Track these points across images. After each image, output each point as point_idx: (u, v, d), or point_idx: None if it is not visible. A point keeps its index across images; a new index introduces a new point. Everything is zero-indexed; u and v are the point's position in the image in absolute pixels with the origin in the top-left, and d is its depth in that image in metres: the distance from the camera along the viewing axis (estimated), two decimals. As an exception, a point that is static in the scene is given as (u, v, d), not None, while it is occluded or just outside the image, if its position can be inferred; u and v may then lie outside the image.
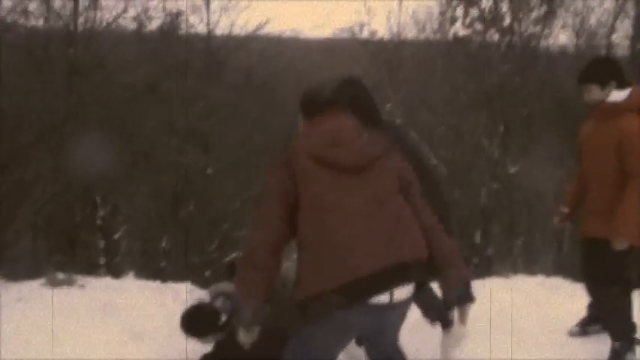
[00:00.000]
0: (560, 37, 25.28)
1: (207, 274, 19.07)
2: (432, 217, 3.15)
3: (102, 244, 16.51)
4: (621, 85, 4.21)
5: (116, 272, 16.52)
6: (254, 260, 2.97)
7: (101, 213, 16.39)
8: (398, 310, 3.04)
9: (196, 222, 18.25)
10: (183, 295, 6.71)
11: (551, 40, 19.09)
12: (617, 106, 4.16)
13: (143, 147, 14.81)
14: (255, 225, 3.02)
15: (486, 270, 15.86)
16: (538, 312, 5.71)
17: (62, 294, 6.11)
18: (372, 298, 2.87)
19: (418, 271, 2.99)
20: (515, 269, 15.41)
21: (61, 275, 6.58)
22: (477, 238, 17.36)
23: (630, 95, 4.18)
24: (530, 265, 15.27)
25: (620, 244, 4.12)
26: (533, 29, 18.35)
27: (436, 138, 18.58)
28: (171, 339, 5.33)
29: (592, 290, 4.55)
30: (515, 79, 17.77)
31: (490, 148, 17.48)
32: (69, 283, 6.43)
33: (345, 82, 3.49)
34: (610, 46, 19.17)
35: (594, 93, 4.21)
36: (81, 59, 13.51)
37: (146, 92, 14.81)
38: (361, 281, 2.83)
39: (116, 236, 17.19)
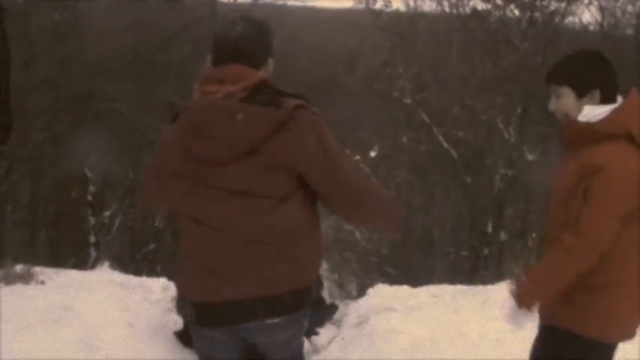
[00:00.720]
0: (585, 14, 24.48)
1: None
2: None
3: (92, 221, 15.99)
4: (607, 100, 2.85)
5: (106, 251, 16.13)
6: None
7: (92, 189, 15.85)
8: (270, 331, 2.60)
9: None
10: (156, 294, 6.20)
11: (575, 18, 18.37)
12: (588, 130, 2.81)
13: (120, 125, 14.16)
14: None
15: (497, 262, 15.33)
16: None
17: (15, 293, 5.55)
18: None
19: (285, 305, 2.55)
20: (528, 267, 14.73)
21: (18, 268, 6.02)
22: (489, 227, 16.78)
23: (613, 114, 2.80)
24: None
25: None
26: (556, 5, 17.63)
27: (449, 118, 18.00)
28: (129, 351, 4.81)
29: None
30: (535, 57, 17.10)
31: (506, 131, 16.83)
32: (26, 278, 5.87)
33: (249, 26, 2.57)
34: (638, 26, 18.42)
35: (565, 101, 2.86)
36: (66, 25, 12.78)
37: (133, 63, 14.11)
38: (214, 306, 2.54)
39: (107, 213, 16.67)
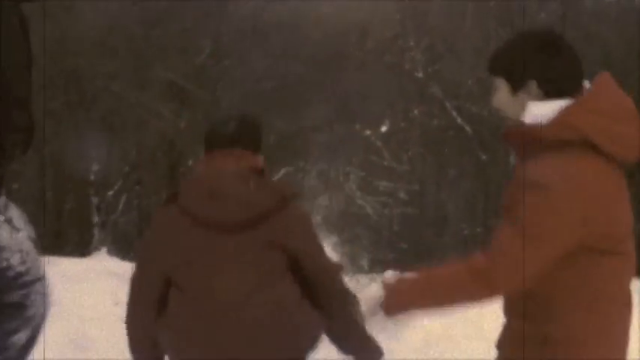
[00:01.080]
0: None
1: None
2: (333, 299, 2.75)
3: (95, 200, 15.75)
4: (556, 92, 2.18)
5: (109, 231, 15.96)
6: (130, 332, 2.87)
7: (95, 167, 15.59)
8: None
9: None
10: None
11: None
12: (533, 134, 2.19)
13: (119, 103, 13.84)
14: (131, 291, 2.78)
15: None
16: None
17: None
18: None
19: None
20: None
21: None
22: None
23: (564, 112, 2.14)
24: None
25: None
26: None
27: (463, 92, 17.67)
28: (122, 350, 4.55)
29: None
30: (553, 29, 16.62)
31: (522, 106, 16.42)
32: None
33: (245, 119, 2.81)
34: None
35: (499, 97, 2.28)
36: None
37: (129, 39, 13.70)
38: None
39: (111, 192, 16.43)
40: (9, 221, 2.82)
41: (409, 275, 2.29)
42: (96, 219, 15.63)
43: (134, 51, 13.74)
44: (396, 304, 2.24)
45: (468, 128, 17.09)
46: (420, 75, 18.31)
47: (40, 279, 2.92)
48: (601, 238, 2.10)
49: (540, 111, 2.15)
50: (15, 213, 2.86)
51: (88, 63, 12.61)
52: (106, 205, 16.20)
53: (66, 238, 15.31)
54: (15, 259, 2.79)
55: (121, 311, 5.24)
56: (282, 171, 22.21)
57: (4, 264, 2.78)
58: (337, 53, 23.38)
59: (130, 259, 10.83)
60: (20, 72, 2.72)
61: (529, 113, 2.17)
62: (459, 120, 17.16)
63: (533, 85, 2.19)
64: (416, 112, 19.45)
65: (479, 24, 17.88)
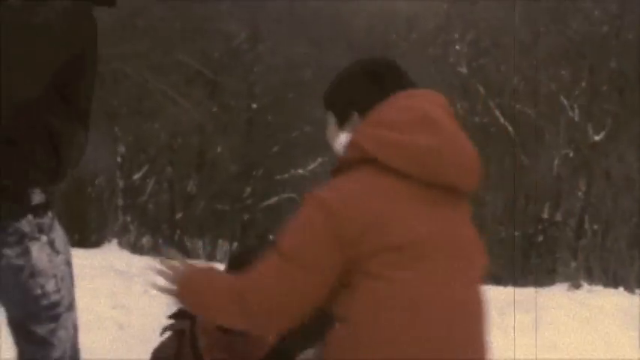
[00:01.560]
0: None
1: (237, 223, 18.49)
2: None
3: (121, 184, 15.62)
4: None
5: (137, 215, 15.85)
6: None
7: (121, 149, 15.45)
8: None
9: (225, 165, 17.36)
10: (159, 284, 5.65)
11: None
12: (340, 163, 2.24)
13: (142, 87, 13.64)
14: None
15: (551, 252, 14.61)
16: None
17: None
18: None
19: None
20: (587, 269, 13.86)
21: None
22: (545, 212, 16.06)
23: (350, 136, 2.19)
24: (605, 263, 13.91)
25: None
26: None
27: (507, 90, 17.30)
28: (115, 357, 4.31)
29: None
30: (605, 27, 16.16)
31: (570, 108, 16.00)
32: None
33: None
34: None
35: (328, 132, 2.34)
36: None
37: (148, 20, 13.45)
38: None
39: (136, 176, 16.31)
40: (51, 243, 2.53)
41: (200, 268, 2.11)
42: (120, 202, 15.52)
43: (164, 34, 13.50)
44: (179, 292, 2.06)
45: (510, 127, 16.73)
46: (464, 70, 17.97)
47: (69, 309, 2.59)
48: (362, 256, 1.98)
49: (344, 140, 2.17)
50: (58, 234, 2.56)
51: (115, 44, 12.45)
52: (133, 188, 16.10)
53: (89, 219, 15.22)
54: (50, 286, 2.48)
55: (120, 315, 5.00)
56: (319, 160, 22.06)
57: (39, 291, 2.47)
58: (379, 42, 23.05)
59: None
60: (90, 83, 2.44)
61: (338, 146, 2.20)
62: (501, 119, 16.78)
63: (355, 118, 2.17)
64: (458, 106, 19.17)
65: (528, 19, 17.45)
